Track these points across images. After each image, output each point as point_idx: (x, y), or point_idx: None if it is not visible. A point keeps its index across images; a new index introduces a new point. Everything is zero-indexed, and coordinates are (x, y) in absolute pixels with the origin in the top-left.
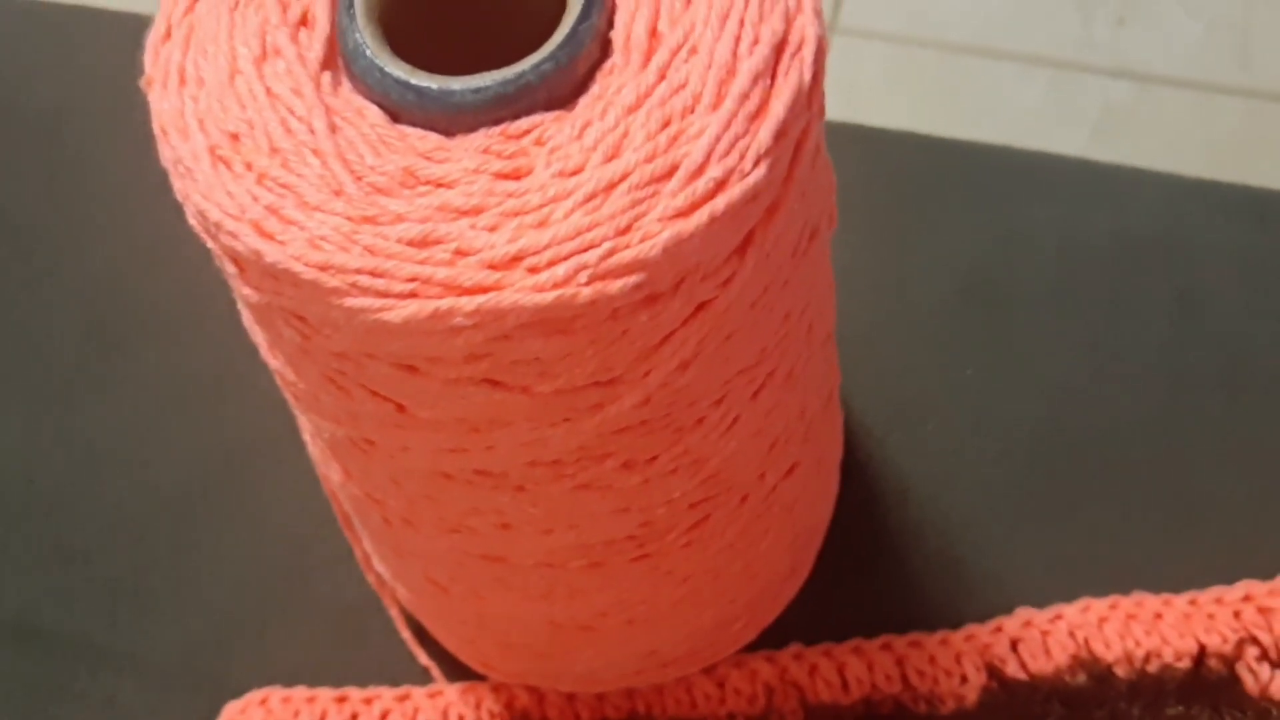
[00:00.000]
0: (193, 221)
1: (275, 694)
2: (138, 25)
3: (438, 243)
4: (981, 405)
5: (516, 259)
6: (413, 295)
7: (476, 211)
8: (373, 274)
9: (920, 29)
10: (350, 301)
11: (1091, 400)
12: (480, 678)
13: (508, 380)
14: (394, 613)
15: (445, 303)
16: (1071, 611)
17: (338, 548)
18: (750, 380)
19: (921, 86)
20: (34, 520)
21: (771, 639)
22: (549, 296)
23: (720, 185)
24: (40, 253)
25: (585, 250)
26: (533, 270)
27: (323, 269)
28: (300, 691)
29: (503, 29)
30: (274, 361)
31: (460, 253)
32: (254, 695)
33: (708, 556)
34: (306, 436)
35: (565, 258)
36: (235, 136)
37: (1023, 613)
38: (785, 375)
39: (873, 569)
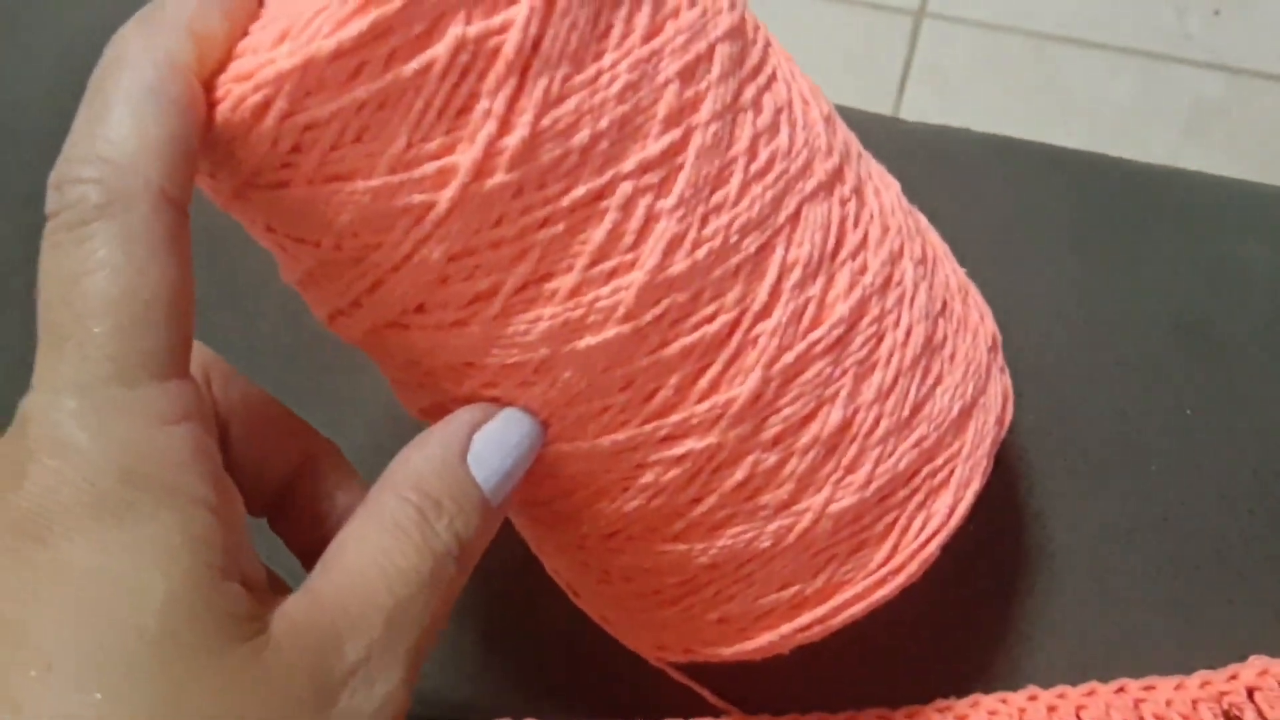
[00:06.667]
0: None
1: None
2: None
3: None
4: (1202, 447)
5: None
6: None
7: None
8: None
9: (1010, 17)
10: None
11: None
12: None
13: None
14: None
15: None
16: None
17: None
18: None
19: (1010, 75)
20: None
21: (1003, 680)
22: None
23: None
24: (244, 269)
25: None
26: None
27: None
28: None
29: None
30: None
31: None
32: None
33: None
34: None
35: None
36: None
37: (1257, 661)
38: None
39: (1099, 612)
